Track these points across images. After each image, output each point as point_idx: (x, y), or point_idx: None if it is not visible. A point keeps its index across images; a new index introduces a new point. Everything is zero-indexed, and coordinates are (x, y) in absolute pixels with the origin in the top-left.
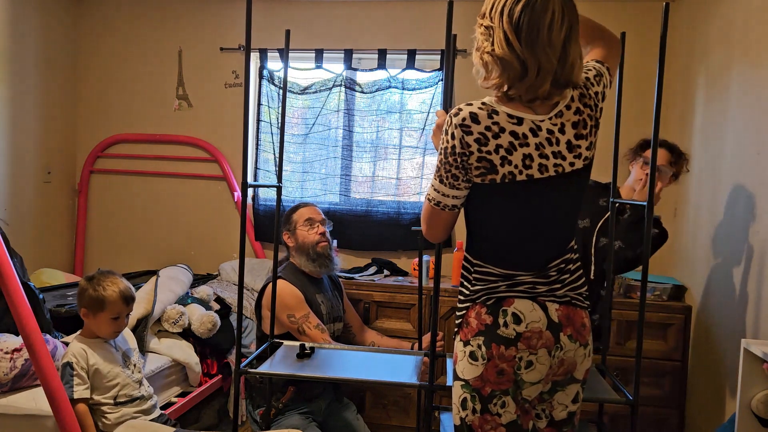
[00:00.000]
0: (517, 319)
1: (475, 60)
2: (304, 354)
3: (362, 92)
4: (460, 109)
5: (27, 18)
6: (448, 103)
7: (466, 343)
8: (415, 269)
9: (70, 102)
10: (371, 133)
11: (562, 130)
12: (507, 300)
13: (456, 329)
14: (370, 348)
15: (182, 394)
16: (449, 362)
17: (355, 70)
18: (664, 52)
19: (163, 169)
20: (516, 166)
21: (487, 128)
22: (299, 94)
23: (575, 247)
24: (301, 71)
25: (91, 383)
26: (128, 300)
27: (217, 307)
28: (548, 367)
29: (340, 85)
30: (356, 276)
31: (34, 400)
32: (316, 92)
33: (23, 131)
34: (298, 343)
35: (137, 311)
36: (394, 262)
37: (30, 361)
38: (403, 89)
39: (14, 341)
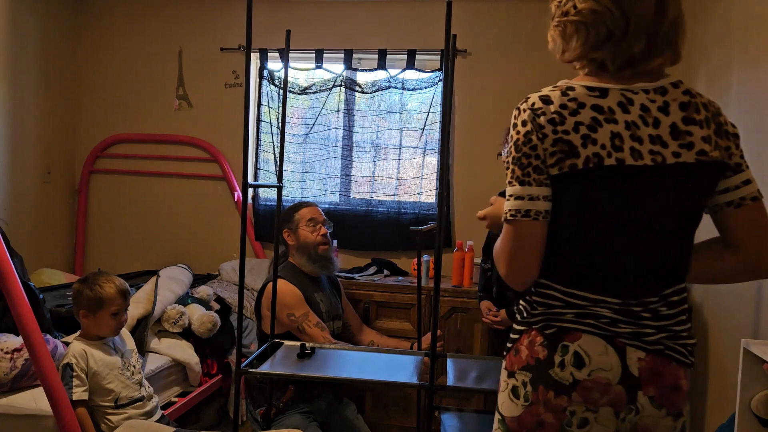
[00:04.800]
0: (580, 362)
1: (552, 33)
2: (304, 354)
3: (362, 92)
4: (528, 97)
5: (27, 18)
6: (448, 103)
7: (511, 375)
8: (414, 269)
9: (70, 102)
10: (371, 133)
11: (664, 110)
12: (572, 334)
13: (505, 352)
14: (370, 348)
15: (182, 394)
16: (450, 362)
17: (355, 70)
18: None
19: (163, 169)
20: (603, 147)
21: (563, 106)
22: (299, 94)
23: (683, 285)
24: (301, 71)
25: (90, 385)
26: (125, 294)
27: (217, 307)
28: (612, 431)
29: (340, 85)
30: (356, 276)
31: (34, 400)
32: (316, 92)
33: (23, 131)
34: (298, 343)
35: (137, 311)
36: (394, 262)
37: (30, 361)
38: (403, 89)
39: (14, 341)
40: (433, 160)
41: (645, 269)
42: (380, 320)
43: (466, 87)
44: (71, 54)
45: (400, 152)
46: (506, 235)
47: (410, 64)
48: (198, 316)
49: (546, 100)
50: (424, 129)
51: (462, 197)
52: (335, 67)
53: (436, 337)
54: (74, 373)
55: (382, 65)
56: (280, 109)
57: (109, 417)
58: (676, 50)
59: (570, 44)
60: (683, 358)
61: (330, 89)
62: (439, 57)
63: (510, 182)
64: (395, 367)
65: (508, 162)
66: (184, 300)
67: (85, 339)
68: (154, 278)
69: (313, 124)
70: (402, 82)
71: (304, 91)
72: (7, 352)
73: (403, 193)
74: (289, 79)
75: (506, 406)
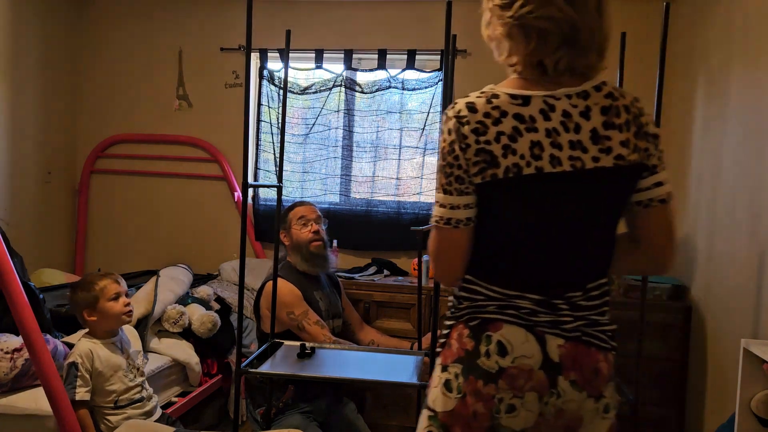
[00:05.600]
0: (503, 350)
1: (496, 33)
2: (304, 354)
3: (362, 92)
4: (455, 103)
5: (27, 18)
6: (447, 103)
7: (444, 369)
8: (415, 269)
9: (70, 102)
10: (371, 133)
11: (585, 115)
12: (494, 324)
13: (439, 349)
14: (370, 348)
15: (182, 394)
16: None
17: (355, 70)
18: (664, 52)
19: (163, 169)
20: (522, 156)
21: (486, 114)
22: (299, 94)
23: (604, 280)
24: (301, 71)
25: (92, 385)
26: (116, 279)
27: (217, 307)
28: (537, 415)
29: (340, 85)
30: (356, 276)
31: (34, 400)
32: (316, 92)
33: (23, 131)
34: (298, 343)
35: (137, 311)
36: (394, 262)
37: (30, 361)
38: (403, 89)
39: (14, 341)
40: (433, 160)
41: (567, 269)
42: (380, 320)
43: (466, 87)
44: (71, 54)
45: (400, 152)
46: (433, 239)
47: (410, 64)
48: (198, 316)
49: (471, 107)
50: (424, 129)
51: None
52: (335, 67)
53: (436, 337)
54: (78, 373)
55: (382, 65)
56: (280, 109)
57: (108, 417)
58: (603, 54)
59: (520, 47)
60: (602, 343)
61: (330, 89)
62: (439, 57)
63: (437, 188)
64: (395, 367)
65: (438, 165)
66: (184, 300)
67: (93, 337)
68: (154, 278)
69: (313, 124)
70: (402, 82)
71: (304, 91)
72: (7, 352)
73: (403, 193)
74: (289, 79)
75: (439, 401)
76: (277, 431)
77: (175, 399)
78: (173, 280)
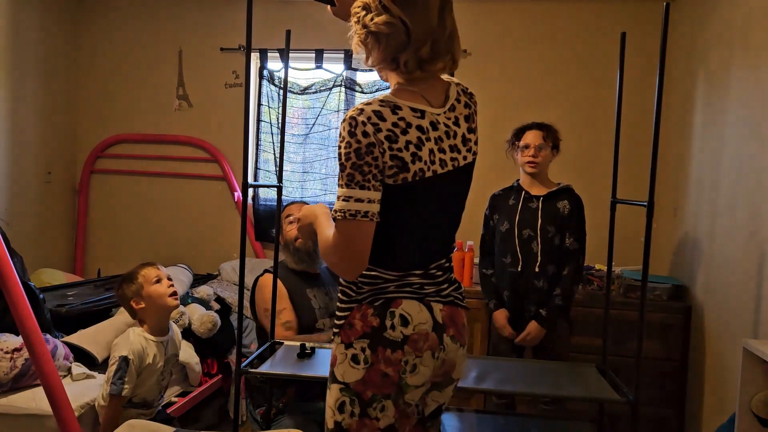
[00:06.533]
0: (405, 322)
1: (354, 42)
2: (304, 354)
3: (362, 92)
4: (361, 110)
5: (27, 18)
6: None
7: (348, 346)
8: None
9: (70, 102)
10: None
11: (457, 123)
12: (396, 301)
13: (336, 330)
14: None
15: (182, 394)
16: None
17: (355, 70)
18: (664, 52)
19: (163, 169)
20: (425, 162)
21: (395, 124)
22: (299, 94)
23: (455, 246)
24: (301, 71)
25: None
26: (156, 265)
27: (217, 306)
28: (431, 369)
29: (340, 85)
30: None
31: (34, 400)
32: (316, 92)
33: (23, 131)
34: (298, 343)
35: None
36: None
37: (30, 361)
38: None
39: (14, 341)
40: None
41: (442, 246)
42: None
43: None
44: (71, 54)
45: None
46: (343, 233)
47: None
48: (198, 316)
49: (380, 116)
50: None
51: None
52: (335, 67)
53: None
54: (128, 369)
55: None
56: (280, 109)
57: None
58: (454, 57)
59: (372, 52)
60: (463, 302)
61: (330, 89)
62: None
63: (348, 185)
64: None
65: (343, 165)
66: (184, 300)
67: (147, 332)
68: None
69: (313, 124)
70: None
71: (304, 91)
72: (7, 352)
73: None
74: (289, 79)
75: (348, 373)
76: (277, 431)
77: (175, 399)
78: (173, 280)
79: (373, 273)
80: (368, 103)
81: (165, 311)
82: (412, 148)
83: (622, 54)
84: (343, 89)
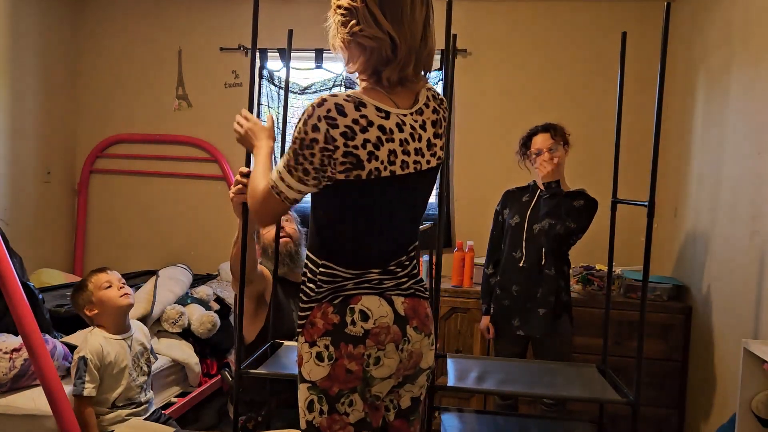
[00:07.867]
0: (365, 317)
1: (337, 45)
2: None
3: None
4: (324, 100)
5: (27, 18)
6: (447, 103)
7: (312, 344)
8: None
9: (70, 102)
10: None
11: (423, 127)
12: (354, 297)
13: (299, 330)
14: None
15: (182, 394)
16: (450, 362)
17: None
18: (665, 52)
19: (163, 169)
20: (382, 162)
21: (355, 121)
22: (299, 94)
23: (417, 243)
24: (301, 71)
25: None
26: (106, 270)
27: (216, 307)
28: (398, 361)
29: (340, 85)
30: None
31: (33, 400)
32: (316, 92)
33: (23, 131)
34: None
35: (137, 311)
36: None
37: (29, 361)
38: None
39: (14, 341)
40: None
41: (400, 244)
42: None
43: (466, 87)
44: (71, 54)
45: None
46: (264, 191)
47: None
48: (197, 316)
49: (341, 111)
50: None
51: (462, 197)
52: (335, 67)
53: (437, 334)
54: (87, 369)
55: None
56: (280, 108)
57: (101, 415)
58: (428, 72)
59: (354, 59)
60: (425, 294)
61: (330, 89)
62: (439, 57)
63: (288, 166)
64: None
65: (291, 144)
66: (183, 300)
67: (104, 332)
68: (153, 278)
69: None
70: None
71: (304, 90)
72: (6, 352)
73: None
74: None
75: (314, 372)
76: (276, 431)
77: (175, 399)
78: (172, 280)
79: (331, 271)
80: (334, 95)
81: (119, 312)
82: (369, 147)
83: (623, 54)
84: (343, 89)
